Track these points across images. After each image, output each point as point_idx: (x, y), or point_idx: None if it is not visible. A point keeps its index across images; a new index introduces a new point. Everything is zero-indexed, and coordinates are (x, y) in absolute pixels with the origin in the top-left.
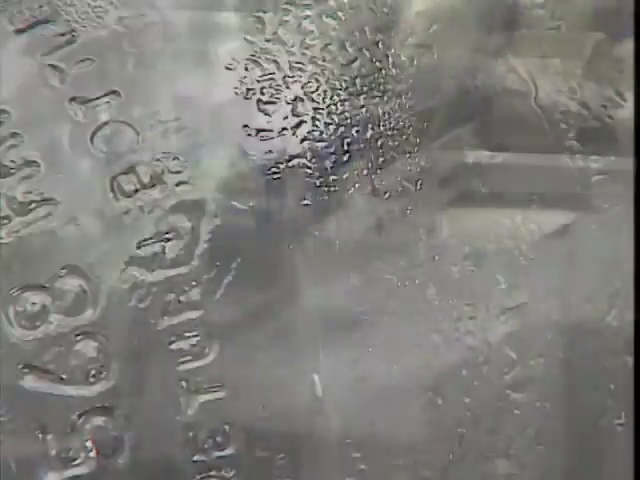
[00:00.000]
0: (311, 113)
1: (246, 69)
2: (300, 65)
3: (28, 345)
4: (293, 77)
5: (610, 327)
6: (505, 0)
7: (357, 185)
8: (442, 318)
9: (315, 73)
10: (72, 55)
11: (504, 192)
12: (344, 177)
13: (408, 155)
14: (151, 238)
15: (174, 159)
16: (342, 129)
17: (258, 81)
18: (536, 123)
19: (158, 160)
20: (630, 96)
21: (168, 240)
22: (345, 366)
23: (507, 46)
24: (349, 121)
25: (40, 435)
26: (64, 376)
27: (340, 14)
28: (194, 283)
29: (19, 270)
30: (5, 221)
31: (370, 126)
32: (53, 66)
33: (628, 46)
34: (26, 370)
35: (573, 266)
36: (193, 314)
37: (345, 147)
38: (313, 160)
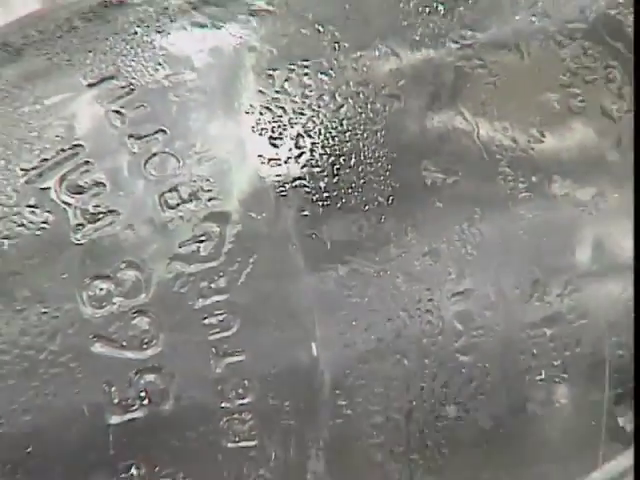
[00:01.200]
0: (309, 146)
1: (260, 113)
2: (301, 110)
3: (97, 320)
4: (296, 119)
5: (532, 306)
6: (452, 63)
7: (343, 200)
8: (408, 300)
9: (312, 116)
10: (130, 102)
11: (453, 206)
12: (334, 194)
13: (382, 177)
14: (189, 240)
15: (206, 181)
16: (332, 158)
17: (269, 122)
18: (477, 154)
19: (194, 181)
20: (550, 134)
21: (202, 241)
22: (335, 336)
23: (456, 96)
24: (338, 152)
25: (106, 388)
26: (124, 343)
27: (331, 72)
28: (221, 274)
29: (90, 264)
30: (80, 227)
31: (353, 156)
32: (116, 111)
33: (549, 96)
34: (95, 339)
35: (504, 261)
36: (221, 297)
37: (335, 172)
38: (311, 181)
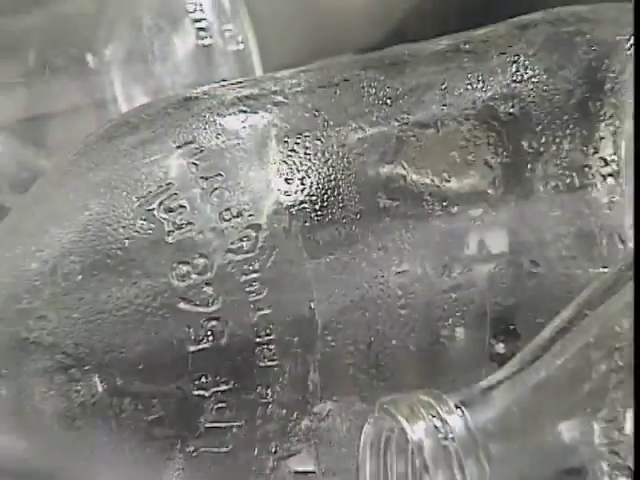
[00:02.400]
0: (309, 184)
1: (279, 164)
2: (304, 163)
3: (181, 289)
4: (300, 168)
5: (443, 280)
6: (395, 134)
7: (330, 216)
8: (369, 276)
9: (310, 166)
10: (201, 157)
11: (396, 220)
12: (324, 212)
13: (353, 202)
14: (237, 240)
15: (247, 204)
16: (323, 191)
17: (285, 170)
18: (410, 188)
19: (240, 205)
20: (453, 177)
21: (244, 241)
22: (324, 298)
23: (398, 154)
24: (326, 187)
25: (187, 329)
26: (197, 302)
27: (322, 139)
28: (256, 260)
29: (177, 255)
30: (171, 232)
31: (336, 190)
32: (193, 163)
33: (453, 154)
34: (180, 300)
35: (426, 253)
36: (256, 275)
37: (324, 199)
38: (310, 205)
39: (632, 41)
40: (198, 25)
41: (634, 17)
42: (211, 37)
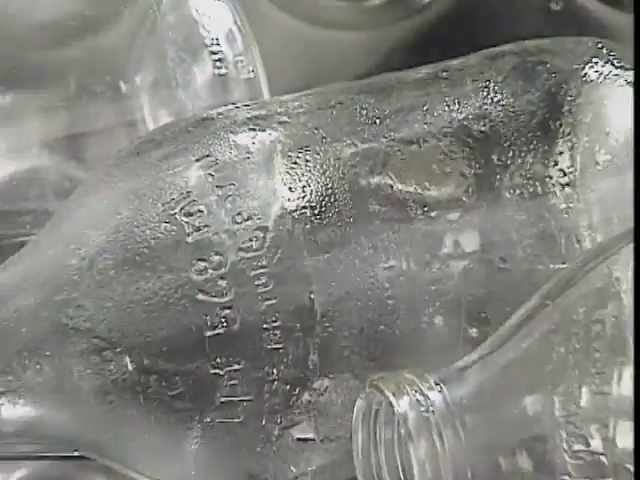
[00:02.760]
0: (309, 192)
1: (284, 175)
2: (305, 173)
3: (200, 282)
4: (302, 178)
5: (425, 274)
6: (383, 149)
7: (326, 219)
8: (360, 271)
9: (310, 176)
10: (217, 169)
11: (384, 223)
12: (322, 216)
13: (347, 207)
14: (247, 240)
15: (256, 209)
16: (321, 198)
17: (289, 179)
18: (396, 196)
19: (250, 210)
20: (434, 186)
21: (254, 241)
22: (322, 289)
23: (385, 166)
24: (323, 195)
25: (204, 316)
26: (213, 294)
27: (320, 153)
28: (264, 258)
29: (196, 253)
30: (190, 233)
31: (332, 197)
32: (209, 174)
33: (433, 166)
34: (198, 291)
35: (409, 251)
36: (263, 270)
37: (322, 205)
38: (309, 210)
39: (586, 69)
40: (215, 57)
41: (634, 17)
42: (226, 67)
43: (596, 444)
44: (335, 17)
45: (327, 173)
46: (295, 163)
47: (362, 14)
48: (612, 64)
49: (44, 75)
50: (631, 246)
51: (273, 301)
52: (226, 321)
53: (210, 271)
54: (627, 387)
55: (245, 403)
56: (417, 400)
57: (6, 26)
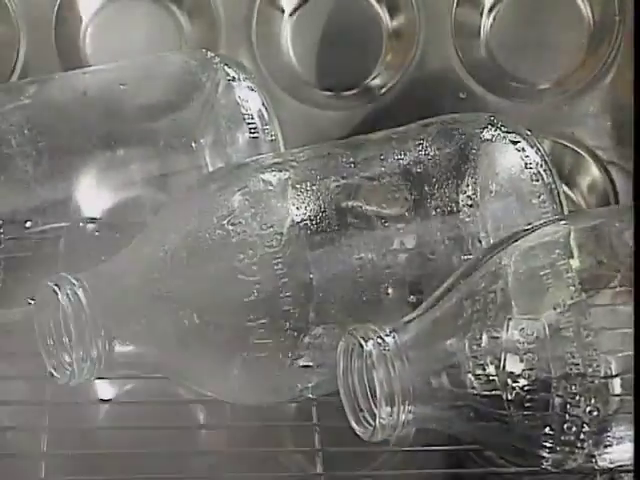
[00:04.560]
0: (310, 210)
1: (294, 197)
2: (308, 197)
3: (239, 268)
4: (307, 200)
5: (383, 263)
6: (355, 183)
7: (323, 227)
8: (355, 259)
9: (311, 199)
10: (251, 196)
11: (367, 228)
12: (320, 224)
13: (337, 217)
14: (270, 240)
15: (275, 221)
16: (319, 212)
17: (297, 200)
18: (368, 214)
19: (273, 219)
20: (388, 209)
21: (273, 240)
22: (320, 273)
23: (357, 193)
24: (320, 211)
25: (241, 290)
26: (249, 274)
27: (316, 185)
28: (280, 253)
29: (238, 250)
30: (235, 236)
31: (328, 212)
32: (246, 199)
33: (395, 195)
34: (239, 273)
35: (377, 247)
36: (280, 259)
37: (320, 217)
38: (311, 220)
39: (483, 133)
40: (250, 127)
41: (634, 16)
42: (257, 133)
43: (490, 370)
44: (323, 102)
45: (320, 198)
46: (300, 192)
47: (340, 100)
48: (500, 129)
49: (144, 137)
50: (513, 244)
51: (286, 279)
52: (257, 292)
53: (246, 261)
54: (512, 333)
55: (269, 344)
56: (378, 342)
57: (119, 106)
